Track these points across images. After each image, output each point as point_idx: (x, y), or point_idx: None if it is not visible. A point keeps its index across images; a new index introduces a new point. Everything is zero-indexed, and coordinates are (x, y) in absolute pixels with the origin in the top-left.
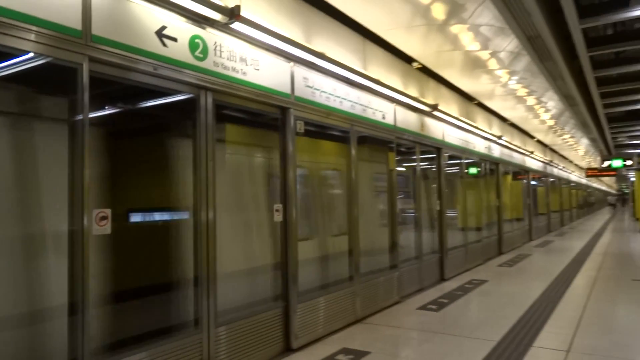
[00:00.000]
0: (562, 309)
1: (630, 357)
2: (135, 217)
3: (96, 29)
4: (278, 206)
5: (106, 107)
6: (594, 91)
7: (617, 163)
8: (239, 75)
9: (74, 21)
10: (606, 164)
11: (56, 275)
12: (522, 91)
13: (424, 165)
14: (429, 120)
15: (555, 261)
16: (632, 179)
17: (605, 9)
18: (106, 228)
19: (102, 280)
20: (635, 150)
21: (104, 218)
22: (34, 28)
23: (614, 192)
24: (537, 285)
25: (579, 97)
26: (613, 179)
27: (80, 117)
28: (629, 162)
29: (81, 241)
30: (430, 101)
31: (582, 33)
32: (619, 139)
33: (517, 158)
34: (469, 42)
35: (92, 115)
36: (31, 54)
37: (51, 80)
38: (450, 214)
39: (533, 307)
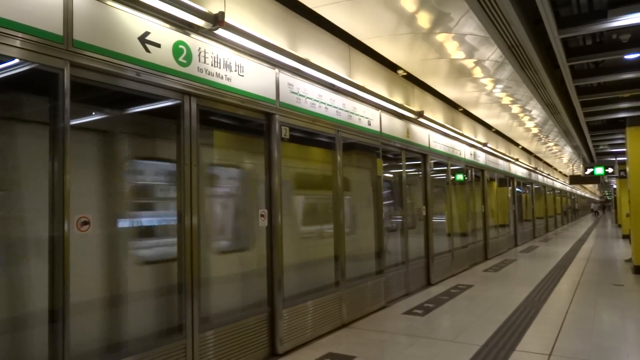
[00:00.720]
0: (545, 313)
1: None
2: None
3: (78, 35)
4: (263, 211)
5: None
6: (575, 100)
7: (599, 170)
8: (224, 81)
9: (55, 26)
10: (589, 171)
11: (38, 280)
12: (506, 99)
13: (410, 171)
14: (414, 127)
15: (539, 266)
16: (615, 186)
17: (584, 20)
18: (87, 233)
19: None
20: (616, 158)
21: (85, 223)
22: (14, 33)
23: (597, 199)
24: (521, 290)
25: (561, 106)
26: (596, 186)
27: (61, 122)
28: (610, 170)
29: (62, 246)
30: (416, 108)
31: (562, 43)
32: (601, 147)
33: (502, 165)
34: (453, 50)
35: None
36: (12, 60)
37: (33, 86)
38: (436, 219)
39: (517, 312)
